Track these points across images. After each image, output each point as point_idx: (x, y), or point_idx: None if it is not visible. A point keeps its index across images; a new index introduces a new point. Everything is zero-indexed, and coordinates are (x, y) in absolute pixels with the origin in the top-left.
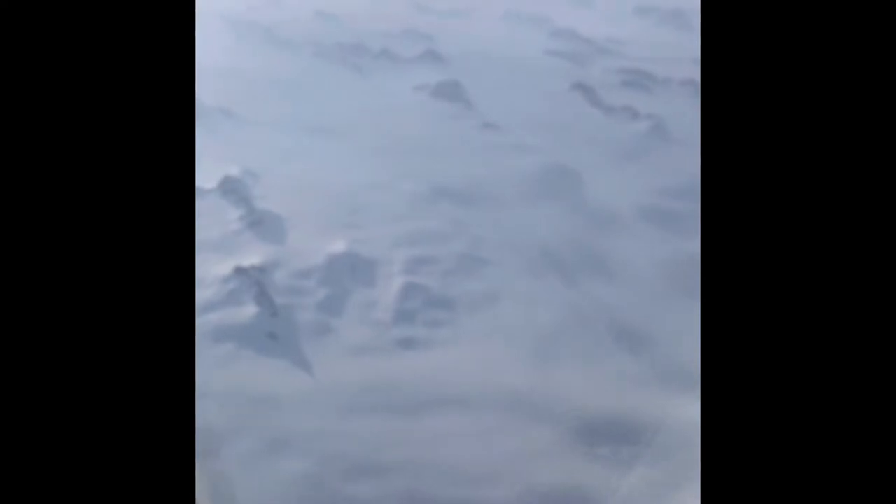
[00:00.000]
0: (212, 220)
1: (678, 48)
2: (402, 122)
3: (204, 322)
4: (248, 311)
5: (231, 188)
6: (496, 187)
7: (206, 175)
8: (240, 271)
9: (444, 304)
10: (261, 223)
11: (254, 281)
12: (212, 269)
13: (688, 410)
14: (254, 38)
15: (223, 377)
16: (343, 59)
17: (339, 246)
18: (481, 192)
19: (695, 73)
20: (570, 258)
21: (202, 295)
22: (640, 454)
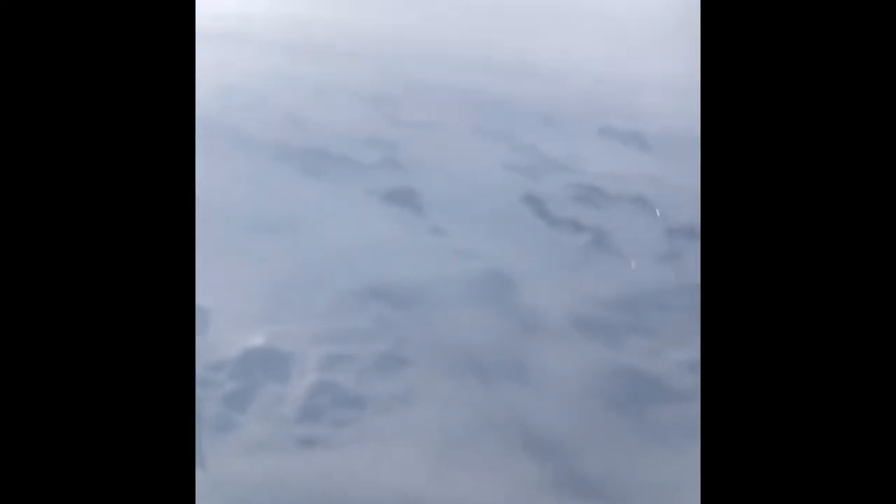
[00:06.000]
0: None
1: (633, 167)
2: (348, 223)
3: None
4: None
5: None
6: (430, 290)
7: None
8: None
9: (355, 403)
10: None
11: None
12: None
13: None
14: (218, 137)
15: None
16: (302, 162)
17: (257, 340)
18: (414, 294)
19: (645, 190)
20: (492, 363)
21: None
22: None
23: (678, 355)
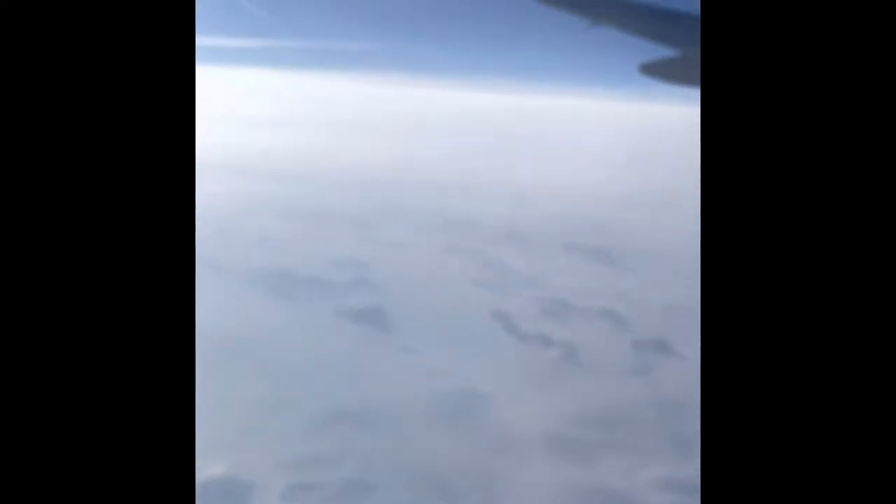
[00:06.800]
0: None
1: (599, 281)
2: (315, 344)
3: None
4: None
5: None
6: (400, 411)
7: None
8: None
9: None
10: None
11: None
12: None
13: None
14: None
15: None
16: (272, 283)
17: (217, 469)
18: (383, 416)
19: (613, 303)
20: (462, 485)
21: None
22: None
23: (652, 473)
